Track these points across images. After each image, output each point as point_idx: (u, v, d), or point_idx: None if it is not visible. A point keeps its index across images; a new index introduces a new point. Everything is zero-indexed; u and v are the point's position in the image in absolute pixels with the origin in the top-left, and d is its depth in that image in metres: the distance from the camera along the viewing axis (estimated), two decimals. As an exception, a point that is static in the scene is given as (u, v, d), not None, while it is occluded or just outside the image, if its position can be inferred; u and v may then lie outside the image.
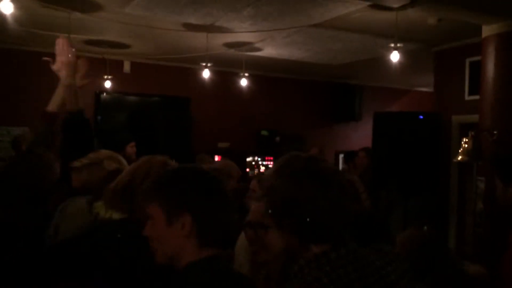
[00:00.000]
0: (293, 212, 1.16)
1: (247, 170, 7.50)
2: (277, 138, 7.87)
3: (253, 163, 7.59)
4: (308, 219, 1.14)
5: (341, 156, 8.57)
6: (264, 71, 7.68)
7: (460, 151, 3.40)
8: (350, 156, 6.22)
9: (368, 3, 3.68)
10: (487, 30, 3.57)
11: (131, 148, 5.24)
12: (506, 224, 2.22)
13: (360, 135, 8.69)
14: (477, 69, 5.13)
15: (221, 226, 1.29)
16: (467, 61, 5.26)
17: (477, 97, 5.10)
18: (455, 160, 3.48)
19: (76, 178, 2.22)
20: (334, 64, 6.69)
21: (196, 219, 1.24)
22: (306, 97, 8.36)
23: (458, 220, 5.35)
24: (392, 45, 3.89)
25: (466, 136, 5.03)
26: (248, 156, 7.55)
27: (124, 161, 2.35)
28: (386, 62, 6.29)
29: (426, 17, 4.27)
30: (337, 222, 1.18)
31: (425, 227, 5.39)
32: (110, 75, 6.24)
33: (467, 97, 5.28)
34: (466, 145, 3.38)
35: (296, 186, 1.16)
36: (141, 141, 5.57)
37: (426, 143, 5.16)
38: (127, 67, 6.81)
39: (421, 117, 4.97)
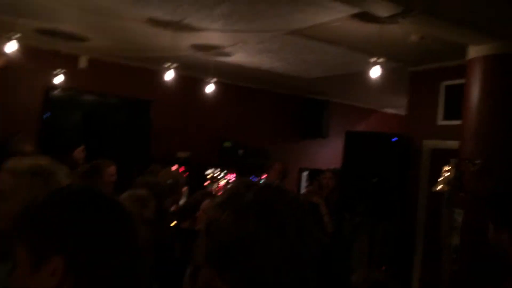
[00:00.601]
0: (233, 261, 0.85)
1: (207, 183, 7.07)
2: (240, 151, 7.49)
3: (214, 176, 7.16)
4: (253, 273, 0.84)
5: (304, 173, 8.30)
6: (231, 79, 7.32)
7: (440, 179, 3.14)
8: (315, 175, 5.90)
9: (353, 11, 3.40)
10: (474, 51, 3.37)
11: (80, 153, 4.73)
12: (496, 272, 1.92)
13: (327, 153, 8.46)
14: (453, 93, 5.00)
15: (113, 277, 0.90)
16: (443, 84, 5.10)
17: (451, 122, 4.97)
18: (433, 189, 3.22)
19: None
20: (305, 78, 6.42)
21: (72, 264, 0.87)
22: (273, 109, 8.05)
23: (424, 250, 5.14)
24: (373, 59, 3.62)
25: (447, 164, 4.89)
26: (208, 169, 7.12)
27: None
28: (358, 78, 6.16)
29: (409, 33, 4.05)
30: (293, 276, 0.85)
31: (384, 268, 5.18)
32: (62, 70, 5.68)
33: (440, 122, 5.10)
34: (446, 174, 3.12)
35: (241, 226, 0.86)
36: (93, 145, 5.08)
37: (397, 167, 4.95)
38: (83, 62, 6.26)
39: (395, 139, 4.74)
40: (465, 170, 3.14)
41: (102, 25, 4.75)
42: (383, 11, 2.78)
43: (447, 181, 3.11)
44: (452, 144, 4.83)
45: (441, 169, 5.02)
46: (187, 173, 7.00)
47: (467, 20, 2.98)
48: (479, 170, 3.15)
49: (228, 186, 0.87)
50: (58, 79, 5.67)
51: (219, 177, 7.23)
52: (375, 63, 3.58)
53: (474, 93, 3.34)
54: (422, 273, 5.12)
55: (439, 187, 3.13)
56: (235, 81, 7.43)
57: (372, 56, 4.56)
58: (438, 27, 3.09)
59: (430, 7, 2.75)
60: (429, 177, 5.16)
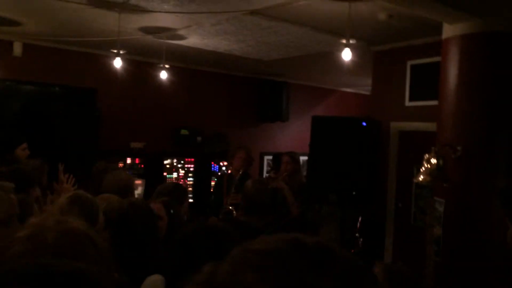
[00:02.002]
0: None
1: (165, 174, 6.66)
2: (199, 138, 7.10)
3: (172, 165, 6.75)
4: None
5: (266, 158, 8.05)
6: (185, 63, 6.85)
7: (422, 170, 2.92)
8: (277, 159, 5.66)
9: (321, -12, 3.07)
10: (450, 30, 3.14)
11: (22, 151, 4.26)
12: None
13: (287, 136, 8.23)
14: (419, 73, 4.84)
15: None
16: (409, 63, 4.91)
17: (418, 103, 4.82)
18: (415, 180, 3.00)
19: None
20: (264, 60, 6.07)
21: None
22: (230, 93, 7.67)
23: (394, 234, 5.05)
24: (343, 41, 3.32)
25: (414, 146, 4.74)
26: (166, 158, 6.70)
27: None
28: (317, 59, 5.91)
29: (378, 11, 3.78)
30: None
31: (352, 251, 5.05)
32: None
33: (407, 103, 4.93)
34: (428, 164, 2.90)
35: None
36: (36, 140, 4.56)
37: (365, 151, 4.75)
38: (17, 49, 5.59)
39: (364, 124, 4.52)
40: (447, 157, 2.93)
41: (36, 7, 4.16)
42: (360, -12, 2.48)
43: (429, 171, 2.89)
44: (420, 125, 4.71)
45: (408, 151, 4.94)
46: (142, 165, 6.58)
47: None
48: (460, 157, 2.96)
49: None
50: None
51: (178, 166, 6.84)
52: (346, 45, 3.29)
53: (451, 73, 3.13)
54: (393, 257, 5.03)
55: (421, 177, 2.92)
56: (189, 64, 6.97)
57: (337, 36, 4.30)
58: (416, 4, 2.83)
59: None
60: (398, 160, 5.04)
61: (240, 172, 4.89)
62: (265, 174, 7.88)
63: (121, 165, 6.27)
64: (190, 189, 6.87)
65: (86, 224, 1.28)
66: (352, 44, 3.32)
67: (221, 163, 7.15)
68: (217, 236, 1.69)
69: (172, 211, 2.68)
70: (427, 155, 2.96)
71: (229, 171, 5.37)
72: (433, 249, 3.12)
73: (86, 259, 1.12)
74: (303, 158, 6.64)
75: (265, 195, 3.12)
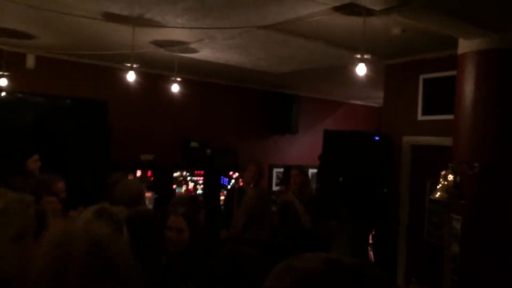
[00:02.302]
0: None
1: (174, 186, 6.64)
2: (208, 151, 7.08)
3: (181, 178, 6.73)
4: None
5: (275, 170, 8.01)
6: (196, 75, 6.88)
7: (438, 186, 2.88)
8: (287, 172, 5.62)
9: (336, 3, 3.06)
10: (466, 46, 3.12)
11: (33, 163, 4.28)
12: None
13: (296, 149, 8.21)
14: (432, 87, 4.81)
15: None
16: (421, 77, 4.88)
17: (431, 117, 4.78)
18: (432, 197, 2.96)
19: None
20: (274, 73, 6.07)
21: None
22: (240, 105, 7.67)
23: (407, 249, 4.98)
24: (358, 56, 3.30)
25: (427, 160, 4.70)
26: (175, 171, 6.69)
27: None
28: (328, 72, 5.90)
29: (392, 26, 3.77)
30: None
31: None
32: (8, 71, 5.07)
33: (420, 117, 4.89)
34: (445, 180, 2.86)
35: None
36: (48, 152, 4.58)
37: (378, 166, 4.72)
38: (30, 61, 5.63)
39: (377, 138, 4.48)
40: (464, 174, 2.89)
41: (50, 21, 4.20)
42: (377, 4, 2.46)
43: (445, 188, 2.85)
44: (433, 140, 4.67)
45: (421, 165, 4.89)
46: (152, 178, 6.57)
47: (463, 13, 2.71)
48: (477, 174, 2.92)
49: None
50: (3, 81, 5.05)
51: (187, 179, 6.83)
52: (360, 60, 3.27)
53: (468, 90, 3.10)
54: (406, 273, 4.96)
55: (438, 194, 2.87)
56: (200, 77, 7.00)
57: (349, 50, 4.29)
58: (433, 20, 2.81)
59: (428, -1, 2.46)
60: (410, 174, 4.98)
61: (251, 185, 4.87)
62: (274, 187, 7.85)
63: (131, 177, 6.26)
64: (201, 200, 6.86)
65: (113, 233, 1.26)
66: (366, 59, 3.30)
67: (231, 175, 7.13)
68: (245, 264, 1.72)
69: (193, 223, 2.70)
70: (444, 172, 2.93)
71: (240, 184, 5.35)
72: (451, 267, 3.06)
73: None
74: (312, 171, 6.63)
75: (268, 205, 3.14)
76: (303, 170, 4.87)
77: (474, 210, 2.95)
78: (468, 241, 2.98)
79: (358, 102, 9.17)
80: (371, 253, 5.35)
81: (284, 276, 0.72)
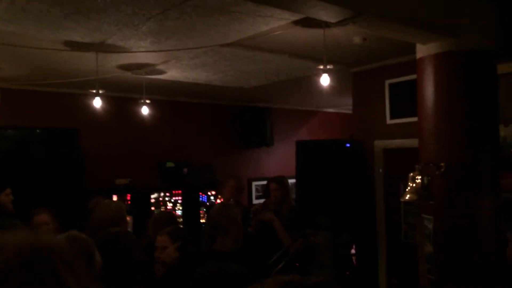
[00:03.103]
0: None
1: (152, 208, 6.57)
2: (185, 170, 7.05)
3: (159, 199, 6.68)
4: None
5: (254, 184, 8.02)
6: (166, 96, 6.87)
7: (408, 189, 2.94)
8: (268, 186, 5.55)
9: (294, 18, 3.13)
10: (423, 50, 3.20)
11: (6, 197, 4.21)
12: None
13: (273, 161, 8.24)
14: (397, 91, 4.92)
15: None
16: (387, 82, 4.99)
17: (399, 120, 4.89)
18: (402, 200, 3.01)
19: None
20: (244, 88, 6.12)
21: None
22: (213, 122, 7.68)
23: (387, 253, 5.03)
24: (321, 67, 3.37)
25: (399, 163, 4.77)
26: (153, 193, 6.63)
27: None
28: (299, 83, 5.97)
29: (352, 36, 3.86)
30: None
31: (348, 274, 5.02)
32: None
33: (388, 121, 4.99)
34: (413, 182, 2.92)
35: None
36: (19, 185, 4.49)
37: (351, 172, 4.77)
38: (-5, 95, 5.54)
39: (348, 145, 4.55)
40: (431, 174, 2.96)
41: (12, 53, 4.16)
42: (331, 17, 2.52)
43: (414, 190, 2.91)
44: (403, 142, 4.76)
45: (394, 168, 4.97)
46: (129, 202, 6.49)
47: (418, 20, 2.80)
48: (444, 174, 2.99)
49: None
50: (-33, 117, 4.96)
51: (165, 199, 6.77)
52: (324, 71, 3.33)
53: (428, 92, 3.18)
54: (387, 276, 5.01)
55: (408, 196, 2.93)
56: (170, 97, 6.99)
57: (315, 61, 4.36)
58: (388, 28, 2.89)
59: (381, 9, 2.53)
60: (384, 177, 5.06)
61: (231, 201, 4.85)
62: (254, 200, 7.85)
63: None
64: (180, 220, 6.80)
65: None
66: (329, 69, 3.36)
67: (209, 193, 7.10)
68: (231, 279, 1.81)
69: (177, 237, 2.78)
70: (411, 174, 2.98)
71: (220, 201, 5.32)
72: (426, 267, 3.11)
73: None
74: (291, 181, 6.65)
75: (229, 217, 3.20)
76: (282, 182, 4.74)
77: (444, 210, 3.01)
78: (441, 240, 3.03)
79: (331, 110, 9.28)
80: (354, 259, 5.39)
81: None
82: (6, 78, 5.24)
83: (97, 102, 4.31)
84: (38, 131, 6.02)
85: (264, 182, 6.33)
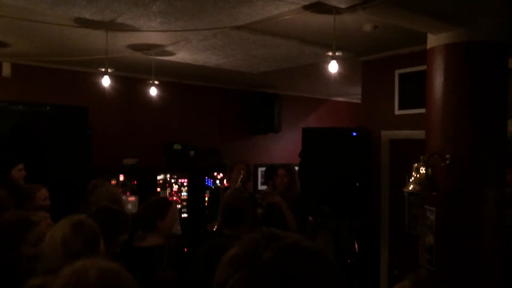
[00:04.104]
0: None
1: (158, 190, 6.63)
2: (192, 152, 7.08)
3: (165, 181, 6.73)
4: None
5: (260, 170, 8.04)
6: (176, 78, 6.87)
7: (411, 179, 2.93)
8: (270, 172, 5.57)
9: (305, 3, 3.10)
10: (434, 40, 3.16)
11: (18, 172, 4.24)
12: None
13: (280, 147, 8.24)
14: (407, 81, 4.87)
15: None
16: (397, 72, 4.94)
17: (407, 111, 4.84)
18: (405, 190, 3.01)
19: None
20: (253, 72, 6.10)
21: None
22: (222, 106, 7.69)
23: (390, 242, 5.04)
24: (330, 53, 3.34)
25: (406, 154, 4.75)
26: (159, 174, 6.68)
27: None
28: (308, 70, 5.93)
29: (362, 23, 3.81)
30: None
31: (348, 261, 5.03)
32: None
33: (397, 112, 4.95)
34: (417, 173, 2.91)
35: None
36: (29, 160, 4.55)
37: (357, 161, 4.76)
38: (6, 70, 5.59)
39: (355, 134, 4.53)
40: (436, 165, 2.94)
41: (22, 28, 4.17)
42: (341, 2, 2.50)
43: (418, 181, 2.90)
44: (410, 133, 4.74)
45: (400, 159, 4.95)
46: (135, 182, 6.54)
47: (428, 8, 2.76)
48: (449, 165, 2.97)
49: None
50: (-22, 91, 5.01)
51: (171, 181, 6.82)
52: (332, 57, 3.31)
53: (437, 82, 3.15)
54: (389, 266, 5.02)
55: (411, 187, 2.92)
56: (180, 79, 6.99)
57: (325, 47, 4.32)
58: (398, 16, 2.85)
59: (392, -5, 2.50)
60: (390, 168, 5.05)
61: (239, 185, 4.87)
62: (259, 186, 7.87)
63: (113, 182, 6.24)
64: (185, 203, 6.86)
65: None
66: (338, 56, 3.34)
67: (216, 176, 7.13)
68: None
69: None
70: (416, 164, 2.97)
71: (225, 185, 5.34)
72: (426, 258, 3.11)
73: None
74: (298, 168, 6.66)
75: (244, 202, 3.16)
76: (290, 169, 4.84)
77: (446, 201, 3.00)
78: (442, 231, 3.03)
79: (340, 99, 9.23)
80: (356, 247, 5.40)
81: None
82: (16, 53, 5.28)
83: (106, 81, 4.32)
84: (47, 107, 6.07)
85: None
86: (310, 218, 4.52)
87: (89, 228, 2.20)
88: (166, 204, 3.14)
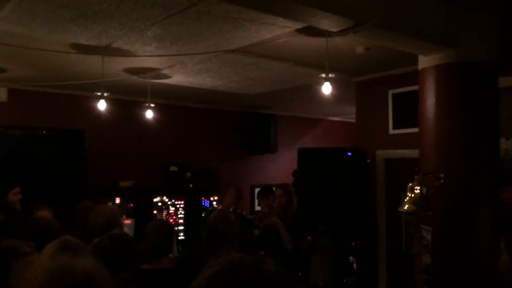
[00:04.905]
0: None
1: (155, 212, 6.60)
2: (188, 174, 7.07)
3: (161, 203, 6.70)
4: None
5: (256, 190, 8.02)
6: (171, 100, 6.92)
7: (406, 199, 2.94)
8: (265, 192, 5.49)
9: (297, 26, 3.16)
10: (425, 61, 3.22)
11: (14, 196, 4.22)
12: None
13: (277, 167, 8.25)
14: (401, 101, 4.93)
15: None
16: (390, 92, 5.01)
17: (401, 130, 4.89)
18: (400, 209, 3.02)
19: None
20: (249, 94, 6.15)
21: None
22: (218, 127, 7.72)
23: (387, 261, 5.02)
24: (323, 75, 3.39)
25: (401, 173, 4.77)
26: (156, 196, 6.66)
27: None
28: (303, 91, 5.99)
29: (355, 45, 3.88)
30: None
31: (345, 280, 5.01)
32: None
33: (391, 131, 5.00)
34: (412, 192, 2.93)
35: None
36: (25, 184, 4.54)
37: (352, 180, 4.77)
38: (3, 95, 5.62)
39: (350, 153, 4.56)
40: (430, 185, 2.96)
41: (19, 54, 4.22)
42: (333, 26, 2.55)
43: (413, 200, 2.91)
44: (405, 152, 4.76)
45: (396, 178, 4.97)
46: (132, 204, 6.52)
47: (419, 31, 2.82)
48: (443, 185, 2.99)
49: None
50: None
51: (167, 203, 6.79)
52: (326, 79, 3.35)
53: (429, 103, 3.19)
54: (387, 285, 4.99)
55: (406, 207, 2.93)
56: (175, 101, 7.04)
57: (318, 69, 4.38)
58: (389, 39, 2.91)
59: (382, 20, 2.56)
60: (386, 187, 5.06)
61: (231, 209, 4.88)
62: (256, 207, 7.85)
63: (110, 204, 6.21)
64: (181, 226, 6.82)
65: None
66: (331, 77, 3.38)
67: (211, 198, 7.11)
68: None
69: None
70: (410, 184, 2.99)
71: (219, 207, 5.34)
72: (423, 278, 3.10)
73: None
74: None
75: (227, 223, 3.17)
76: (287, 189, 4.87)
77: (442, 221, 3.01)
78: (439, 251, 3.03)
79: (336, 118, 9.30)
80: (355, 266, 5.37)
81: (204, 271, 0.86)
82: (13, 78, 5.32)
83: (102, 105, 4.35)
84: (44, 131, 6.10)
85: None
86: (309, 237, 4.52)
87: (75, 246, 2.11)
88: (171, 229, 3.20)
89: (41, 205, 4.07)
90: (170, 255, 3.22)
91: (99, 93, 4.27)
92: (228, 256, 0.88)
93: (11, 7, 2.90)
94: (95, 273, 1.18)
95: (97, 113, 5.00)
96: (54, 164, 5.93)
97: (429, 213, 2.95)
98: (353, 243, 5.12)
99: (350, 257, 5.32)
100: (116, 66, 4.59)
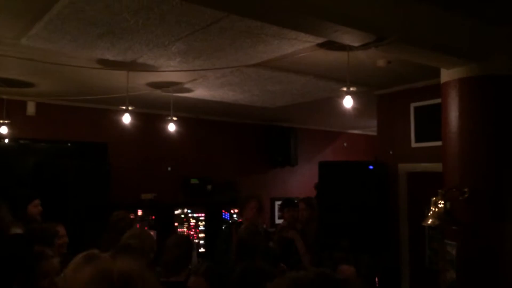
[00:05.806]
0: None
1: (176, 224, 6.65)
2: (209, 186, 7.12)
3: (182, 215, 6.75)
4: None
5: (277, 203, 8.02)
6: (193, 113, 7.01)
7: (430, 213, 2.91)
8: (286, 204, 5.46)
9: (318, 41, 3.19)
10: (448, 75, 3.21)
11: (34, 208, 4.29)
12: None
13: (297, 180, 8.24)
14: (422, 114, 4.89)
15: None
16: (412, 105, 4.97)
17: (424, 144, 4.84)
18: (424, 224, 2.99)
19: None
20: (270, 107, 6.19)
21: None
22: (239, 141, 7.77)
23: (410, 277, 4.94)
24: (344, 89, 3.41)
25: (423, 187, 4.72)
26: (177, 208, 6.72)
27: None
28: (323, 104, 6.01)
29: (376, 59, 3.89)
30: None
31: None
32: (9, 118, 5.20)
33: (413, 144, 4.95)
34: (436, 207, 2.90)
35: None
36: (49, 197, 4.64)
37: (375, 195, 4.74)
38: (31, 109, 5.79)
39: (371, 167, 4.54)
40: (454, 199, 2.92)
41: (49, 70, 4.36)
42: (354, 41, 2.57)
43: (436, 215, 2.88)
44: (428, 166, 4.71)
45: (418, 192, 4.91)
46: (153, 216, 6.59)
47: (441, 45, 2.82)
48: (468, 199, 2.95)
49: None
50: (4, 129, 5.17)
51: (188, 215, 6.84)
52: (347, 93, 3.37)
53: (452, 116, 3.17)
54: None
55: (430, 221, 2.90)
56: (197, 114, 7.13)
57: (340, 82, 4.40)
58: (411, 53, 2.92)
59: (404, 34, 2.57)
60: (408, 201, 5.00)
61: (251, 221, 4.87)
62: (276, 220, 7.83)
63: (132, 216, 6.28)
64: (202, 240, 6.84)
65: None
66: (353, 91, 3.39)
67: (232, 211, 7.13)
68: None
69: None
70: (434, 198, 2.96)
71: (239, 220, 5.34)
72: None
73: None
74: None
75: (256, 237, 3.18)
76: (310, 203, 4.78)
77: (467, 236, 2.96)
78: (464, 266, 2.98)
79: (357, 131, 9.25)
80: (377, 282, 5.29)
81: (280, 284, 0.89)
82: (41, 93, 5.48)
83: (127, 118, 4.44)
84: (68, 144, 6.25)
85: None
86: (338, 254, 4.45)
87: (100, 260, 2.18)
88: (192, 244, 3.26)
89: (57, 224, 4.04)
90: (190, 267, 3.25)
91: (123, 107, 4.36)
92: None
93: (41, 25, 3.01)
94: (133, 274, 1.18)
95: (121, 126, 5.10)
96: (78, 177, 6.06)
97: (454, 228, 2.91)
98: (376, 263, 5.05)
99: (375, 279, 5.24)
100: (140, 81, 4.69)
